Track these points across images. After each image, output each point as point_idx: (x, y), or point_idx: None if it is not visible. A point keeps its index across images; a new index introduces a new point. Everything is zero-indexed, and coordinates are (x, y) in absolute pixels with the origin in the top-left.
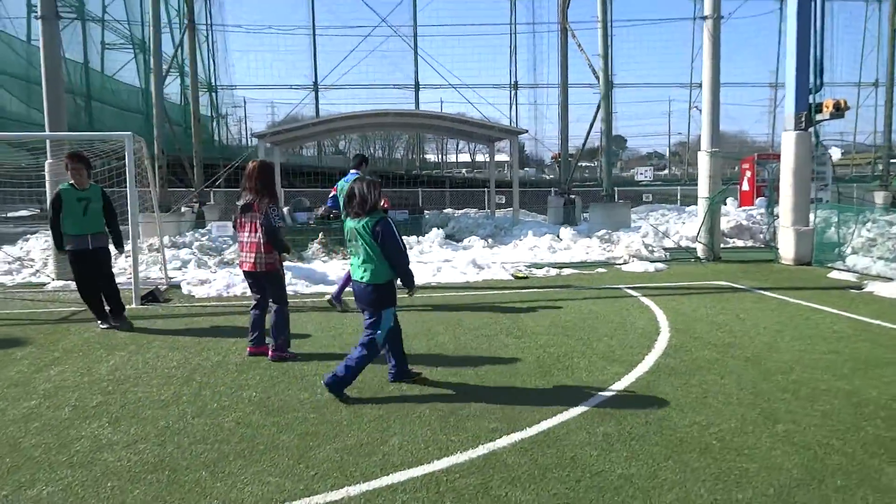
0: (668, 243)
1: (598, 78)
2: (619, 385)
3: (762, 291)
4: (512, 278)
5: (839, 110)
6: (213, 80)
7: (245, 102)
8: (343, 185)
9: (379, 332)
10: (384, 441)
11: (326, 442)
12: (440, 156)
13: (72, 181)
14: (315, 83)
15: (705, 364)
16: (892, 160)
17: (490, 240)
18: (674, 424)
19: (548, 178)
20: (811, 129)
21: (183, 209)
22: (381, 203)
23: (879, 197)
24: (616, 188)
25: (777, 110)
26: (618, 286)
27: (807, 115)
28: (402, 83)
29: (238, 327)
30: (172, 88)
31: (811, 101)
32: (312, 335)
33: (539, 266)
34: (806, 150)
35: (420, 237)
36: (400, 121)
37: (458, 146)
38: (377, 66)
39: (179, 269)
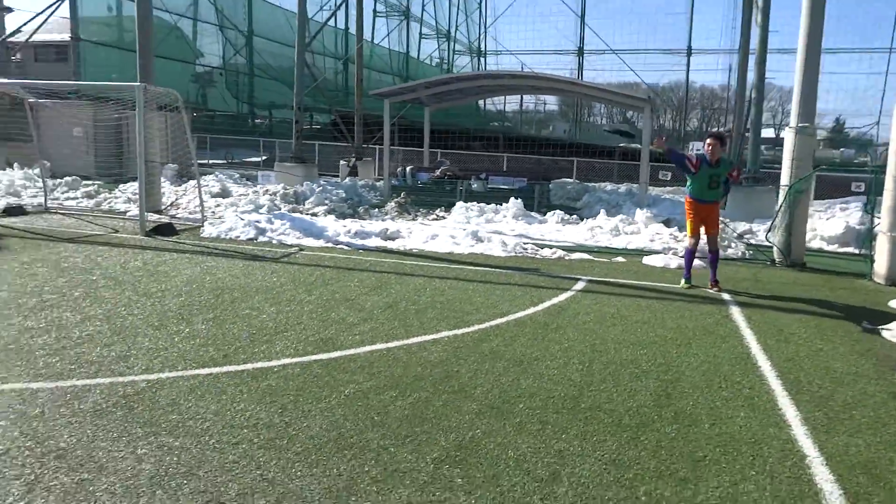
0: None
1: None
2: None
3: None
4: (502, 255)
5: None
6: (481, 46)
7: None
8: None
9: None
10: None
11: None
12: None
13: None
14: (580, 48)
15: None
16: None
17: (574, 216)
18: None
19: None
20: None
21: (341, 162)
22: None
23: None
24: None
25: None
26: (586, 277)
27: None
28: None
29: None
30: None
31: None
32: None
33: (551, 246)
34: None
35: (498, 205)
36: (514, 83)
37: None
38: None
39: (250, 212)
